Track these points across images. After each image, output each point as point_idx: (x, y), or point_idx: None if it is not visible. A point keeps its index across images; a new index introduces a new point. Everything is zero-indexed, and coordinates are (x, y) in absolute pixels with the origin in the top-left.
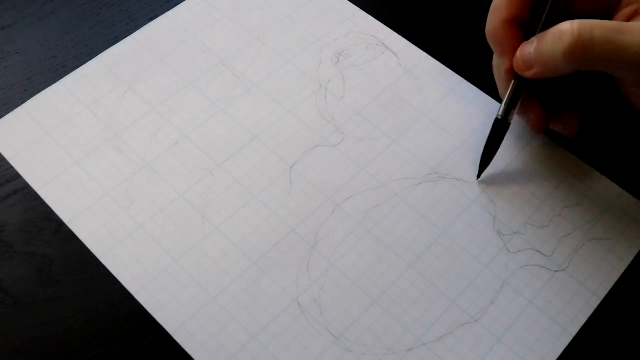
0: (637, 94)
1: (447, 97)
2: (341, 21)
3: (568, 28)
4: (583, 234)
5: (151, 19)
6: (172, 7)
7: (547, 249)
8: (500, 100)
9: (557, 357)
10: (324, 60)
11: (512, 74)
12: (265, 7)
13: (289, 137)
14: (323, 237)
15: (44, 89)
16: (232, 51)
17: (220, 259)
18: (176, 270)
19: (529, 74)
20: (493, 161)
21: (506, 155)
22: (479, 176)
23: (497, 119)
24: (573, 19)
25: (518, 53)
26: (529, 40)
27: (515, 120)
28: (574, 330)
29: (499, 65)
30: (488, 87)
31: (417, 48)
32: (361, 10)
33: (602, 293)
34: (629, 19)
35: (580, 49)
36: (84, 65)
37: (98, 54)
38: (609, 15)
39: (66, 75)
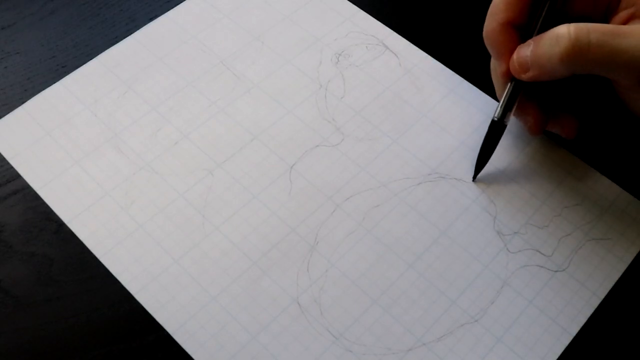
0: (634, 97)
1: (447, 97)
2: (341, 21)
3: (565, 31)
4: (583, 234)
5: (151, 19)
6: (172, 7)
7: (547, 249)
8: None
9: (557, 357)
10: (324, 60)
11: (509, 76)
12: (265, 7)
13: (289, 137)
14: (323, 237)
15: (44, 89)
16: (232, 51)
17: (220, 259)
18: (176, 270)
19: (525, 76)
20: (493, 161)
21: (506, 155)
22: (474, 177)
23: (493, 121)
24: (570, 22)
25: (514, 56)
26: (526, 43)
27: (515, 121)
28: (574, 330)
29: (495, 68)
30: (488, 87)
31: (417, 48)
32: (361, 10)
33: (602, 293)
34: (626, 22)
35: (577, 52)
36: (84, 65)
37: (98, 54)
38: (606, 19)
39: (66, 75)
